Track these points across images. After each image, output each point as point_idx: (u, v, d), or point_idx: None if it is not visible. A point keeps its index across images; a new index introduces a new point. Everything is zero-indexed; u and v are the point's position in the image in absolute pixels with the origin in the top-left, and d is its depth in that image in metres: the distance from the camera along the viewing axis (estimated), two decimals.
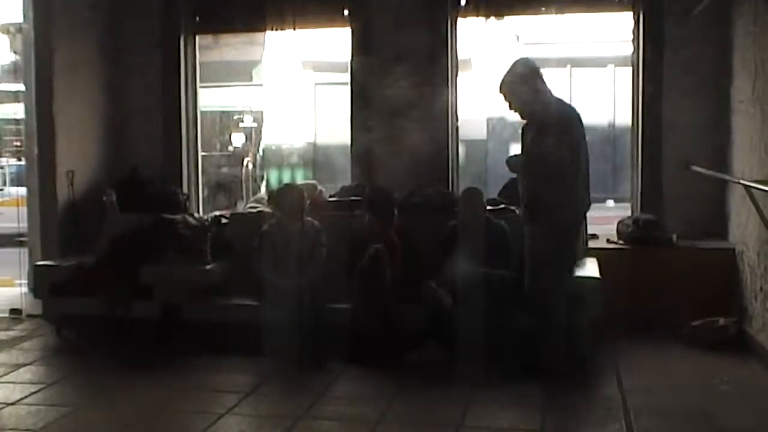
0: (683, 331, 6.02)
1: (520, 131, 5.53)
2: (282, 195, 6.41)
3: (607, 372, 5.43)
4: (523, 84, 5.35)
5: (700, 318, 6.04)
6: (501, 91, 5.41)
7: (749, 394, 5.05)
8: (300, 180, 12.91)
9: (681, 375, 5.42)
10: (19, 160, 13.72)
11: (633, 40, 7.18)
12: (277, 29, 7.70)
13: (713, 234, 6.71)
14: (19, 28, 7.49)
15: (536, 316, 5.37)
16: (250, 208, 7.38)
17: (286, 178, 15.75)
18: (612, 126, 17.17)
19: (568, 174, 5.20)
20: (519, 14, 8.10)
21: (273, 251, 6.04)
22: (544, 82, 5.39)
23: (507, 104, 5.43)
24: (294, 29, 7.62)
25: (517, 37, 17.25)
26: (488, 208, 6.35)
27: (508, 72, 5.43)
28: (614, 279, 5.87)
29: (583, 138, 5.36)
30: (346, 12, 7.48)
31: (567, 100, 5.46)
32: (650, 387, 5.16)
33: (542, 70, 5.44)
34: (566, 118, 5.32)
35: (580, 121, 5.38)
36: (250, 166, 16.15)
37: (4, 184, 14.61)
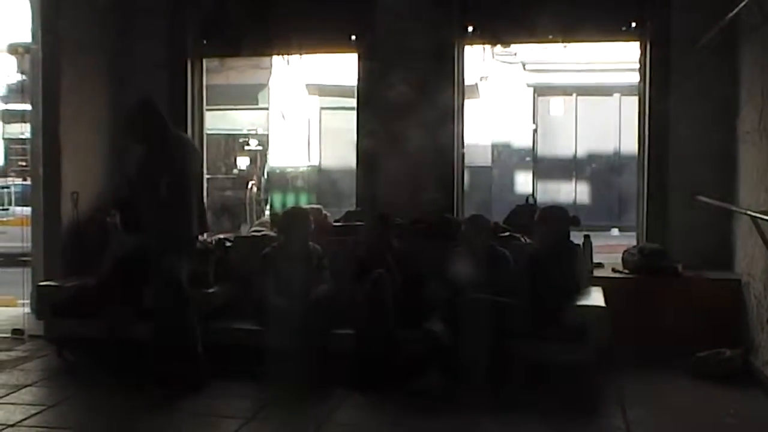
0: (689, 362, 5.97)
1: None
2: (289, 218, 6.40)
3: (612, 402, 5.38)
4: (139, 119, 5.79)
5: (706, 349, 6.00)
6: (123, 124, 6.02)
7: (755, 426, 5.01)
8: (304, 204, 12.91)
9: (686, 406, 5.36)
10: (25, 180, 13.75)
11: (639, 69, 7.19)
12: (283, 54, 7.74)
13: (719, 264, 6.68)
14: (27, 49, 7.53)
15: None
16: (255, 231, 7.37)
17: (291, 202, 15.76)
18: (617, 154, 17.21)
19: (170, 201, 5.57)
20: (525, 42, 8.12)
21: (275, 274, 6.03)
22: (162, 117, 5.81)
23: (129, 137, 5.98)
24: (300, 54, 7.65)
25: (523, 65, 17.36)
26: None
27: (129, 109, 5.95)
28: (619, 308, 5.83)
29: (195, 168, 5.95)
30: (353, 37, 7.52)
31: (188, 135, 6.20)
32: (655, 418, 5.11)
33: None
34: (174, 147, 5.76)
35: (195, 153, 6.03)
36: (255, 189, 16.16)
37: (9, 203, 14.63)
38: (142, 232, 6.08)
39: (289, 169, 17.06)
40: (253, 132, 17.86)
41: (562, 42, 7.42)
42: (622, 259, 6.85)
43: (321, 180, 17.21)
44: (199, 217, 5.89)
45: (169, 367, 5.61)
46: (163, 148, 5.71)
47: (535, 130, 17.85)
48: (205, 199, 6.08)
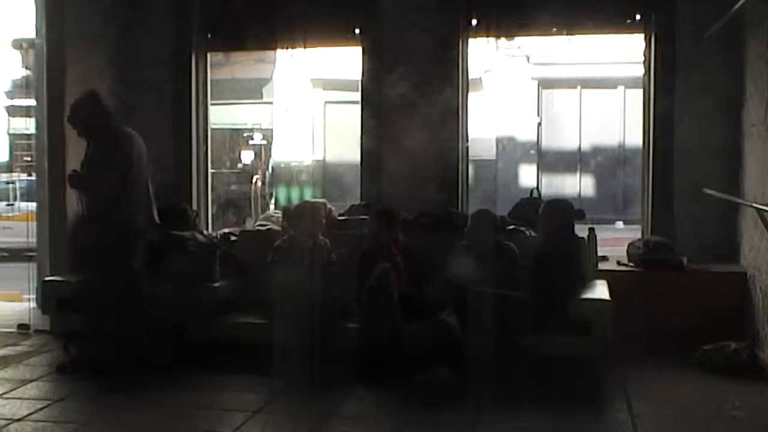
0: (694, 355, 5.97)
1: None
2: (300, 213, 6.41)
3: (617, 396, 5.37)
4: (85, 112, 5.96)
5: (712, 342, 5.99)
6: (68, 120, 6.12)
7: (761, 419, 5.00)
8: (309, 198, 12.91)
9: (691, 399, 5.35)
10: (30, 175, 13.78)
11: (644, 62, 7.17)
12: (287, 47, 7.73)
13: (724, 257, 6.67)
14: (31, 44, 7.52)
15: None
16: (260, 225, 7.37)
17: (295, 196, 15.77)
18: (622, 147, 17.19)
19: (114, 195, 5.76)
20: (529, 35, 8.09)
21: (285, 268, 6.03)
22: (107, 111, 6.00)
23: (76, 131, 6.13)
24: (305, 47, 7.65)
25: (528, 58, 17.31)
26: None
27: (74, 102, 6.12)
28: (624, 302, 5.82)
29: (141, 162, 5.95)
30: (357, 30, 7.51)
31: (130, 128, 6.08)
32: (661, 411, 5.11)
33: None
34: (120, 142, 5.88)
35: (141, 147, 5.99)
36: (260, 183, 16.18)
37: (15, 198, 14.67)
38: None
39: (293, 164, 17.06)
40: (258, 126, 17.85)
41: (567, 35, 7.39)
42: (627, 252, 6.84)
43: (325, 174, 17.21)
44: (146, 211, 5.98)
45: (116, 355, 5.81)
46: (106, 143, 5.84)
47: (539, 124, 17.82)
48: (151, 193, 6.12)
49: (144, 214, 5.98)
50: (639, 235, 7.19)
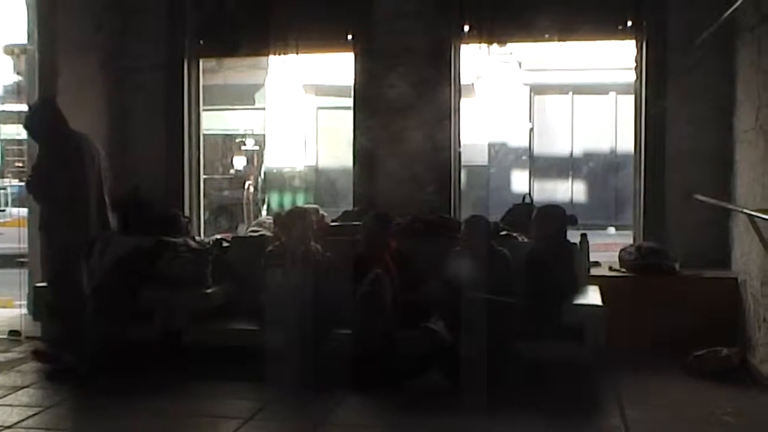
0: (686, 361, 5.98)
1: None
2: (292, 218, 6.40)
3: (609, 402, 5.37)
4: (39, 119, 5.99)
5: (704, 348, 6.00)
6: (23, 126, 6.19)
7: (753, 424, 5.01)
8: (301, 204, 12.90)
9: (684, 405, 5.36)
10: (21, 181, 13.74)
11: (636, 68, 7.19)
12: (280, 53, 7.73)
13: (716, 263, 6.68)
14: (23, 50, 7.51)
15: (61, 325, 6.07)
16: (252, 231, 7.36)
17: (288, 202, 15.76)
18: (614, 153, 17.23)
19: (71, 197, 5.77)
20: (521, 41, 8.10)
21: (277, 274, 6.02)
22: (61, 116, 5.93)
23: (31, 137, 6.27)
24: (297, 53, 7.65)
25: (520, 64, 17.36)
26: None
27: (29, 109, 6.27)
28: (616, 307, 5.82)
29: (95, 167, 5.95)
30: (349, 36, 7.51)
31: (83, 132, 6.07)
32: (653, 417, 5.11)
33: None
34: (70, 145, 5.88)
35: (94, 151, 6.00)
36: (252, 189, 16.16)
37: (6, 205, 14.61)
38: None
39: (286, 169, 17.05)
40: (250, 132, 17.85)
41: (559, 41, 7.42)
42: (619, 257, 6.85)
43: (318, 180, 17.21)
44: (98, 217, 5.97)
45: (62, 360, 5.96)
46: (59, 148, 5.85)
47: (531, 129, 17.86)
48: (106, 196, 6.11)
49: (96, 219, 5.96)
50: (631, 241, 7.20)
